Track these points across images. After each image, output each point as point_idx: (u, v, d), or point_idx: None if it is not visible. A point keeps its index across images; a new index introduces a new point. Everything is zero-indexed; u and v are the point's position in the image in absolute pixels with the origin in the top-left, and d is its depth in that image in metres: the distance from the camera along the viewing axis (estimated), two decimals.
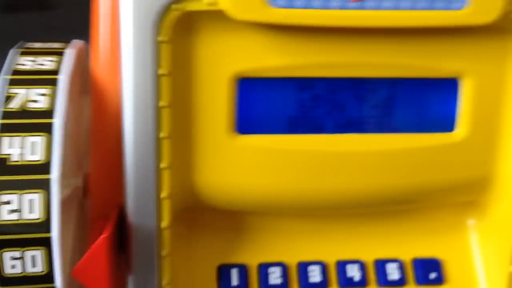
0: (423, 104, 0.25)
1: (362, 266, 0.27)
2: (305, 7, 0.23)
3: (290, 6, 0.23)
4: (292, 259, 0.27)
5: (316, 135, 0.25)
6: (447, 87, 0.25)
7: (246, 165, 0.24)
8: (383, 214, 0.27)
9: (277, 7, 0.22)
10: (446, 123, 0.25)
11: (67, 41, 0.26)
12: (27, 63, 0.23)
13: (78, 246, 0.26)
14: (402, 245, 0.27)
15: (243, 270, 0.26)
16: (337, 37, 0.24)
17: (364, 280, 0.27)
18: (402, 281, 0.27)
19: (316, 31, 0.23)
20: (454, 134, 0.26)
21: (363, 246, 0.27)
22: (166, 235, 0.24)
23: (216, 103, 0.24)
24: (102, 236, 0.21)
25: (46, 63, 0.23)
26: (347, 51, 0.24)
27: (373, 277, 0.27)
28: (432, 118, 0.25)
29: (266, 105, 0.24)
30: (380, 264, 0.27)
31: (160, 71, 0.23)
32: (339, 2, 0.23)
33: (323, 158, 0.25)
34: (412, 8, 0.23)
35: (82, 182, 0.26)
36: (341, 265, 0.27)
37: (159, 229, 0.24)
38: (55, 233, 0.21)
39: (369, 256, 0.27)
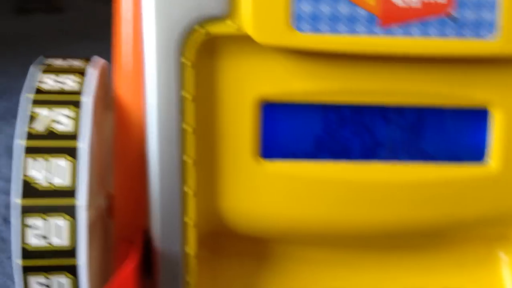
0: (452, 132, 0.25)
1: None
2: (331, 32, 0.23)
3: (316, 31, 0.22)
4: None
5: (342, 163, 0.24)
6: (476, 117, 0.25)
7: (271, 190, 0.24)
8: (411, 245, 0.27)
9: (303, 32, 0.22)
10: (476, 153, 0.25)
11: (87, 58, 0.26)
12: (49, 81, 0.23)
13: (102, 266, 0.26)
14: (431, 278, 0.27)
15: None
16: (363, 62, 0.24)
17: None
18: None
19: (342, 56, 0.23)
20: (485, 166, 0.25)
21: (390, 278, 0.27)
22: (192, 260, 0.24)
23: (240, 127, 0.24)
24: (130, 266, 0.21)
25: (69, 82, 0.23)
26: (373, 77, 0.24)
27: None
28: (461, 148, 0.25)
29: (291, 129, 0.24)
30: None
31: (184, 93, 0.23)
32: (366, 28, 0.23)
33: (349, 186, 0.24)
34: (441, 35, 0.23)
35: (104, 201, 0.26)
36: None
37: (185, 255, 0.24)
38: (82, 261, 0.21)
39: None
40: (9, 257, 0.40)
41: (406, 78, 0.24)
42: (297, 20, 0.22)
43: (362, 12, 0.22)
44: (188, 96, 0.23)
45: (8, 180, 0.50)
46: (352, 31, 0.23)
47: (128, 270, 0.21)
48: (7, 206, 0.46)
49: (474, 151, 0.25)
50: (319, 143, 0.25)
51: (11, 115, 0.62)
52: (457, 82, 0.24)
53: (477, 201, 0.25)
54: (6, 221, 0.44)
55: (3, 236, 0.42)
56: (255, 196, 0.24)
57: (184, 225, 0.23)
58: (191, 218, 0.23)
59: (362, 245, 0.27)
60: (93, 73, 0.24)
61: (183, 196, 0.23)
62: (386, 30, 0.23)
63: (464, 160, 0.25)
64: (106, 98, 0.28)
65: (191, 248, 0.24)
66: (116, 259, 0.24)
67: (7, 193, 0.48)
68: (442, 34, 0.23)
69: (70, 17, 1.02)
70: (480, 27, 0.23)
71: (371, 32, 0.23)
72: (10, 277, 0.38)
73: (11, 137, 0.57)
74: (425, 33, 0.23)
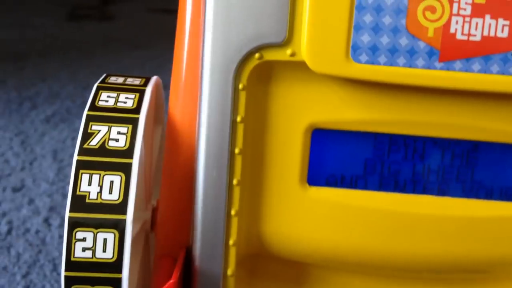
0: (503, 170, 0.24)
1: None
2: (390, 65, 0.22)
3: (374, 62, 0.22)
4: None
5: (389, 193, 0.24)
6: None
7: (315, 217, 0.24)
8: (452, 280, 0.26)
9: (360, 63, 0.22)
10: None
11: (145, 77, 0.26)
12: (109, 99, 0.24)
13: (142, 280, 0.26)
14: None
15: None
16: (419, 95, 0.23)
17: None
18: None
19: (398, 88, 0.23)
20: None
21: None
22: (231, 282, 0.24)
23: (289, 152, 0.24)
24: (170, 282, 0.21)
25: (127, 100, 0.24)
26: (428, 109, 0.23)
27: None
28: (509, 187, 0.25)
29: (338, 158, 0.24)
30: None
31: (237, 118, 0.23)
32: (426, 62, 0.22)
33: (394, 217, 0.24)
34: (503, 73, 0.22)
35: (150, 215, 0.26)
36: None
37: (224, 276, 0.24)
38: (125, 274, 0.21)
39: None
40: (49, 260, 0.40)
41: (461, 113, 0.23)
42: (355, 51, 0.22)
43: (421, 44, 0.22)
44: (238, 118, 0.23)
45: (52, 183, 0.51)
46: (412, 64, 0.22)
47: (168, 285, 0.21)
48: (51, 209, 0.47)
49: None
50: (367, 171, 0.24)
51: (59, 118, 0.64)
52: None
53: None
54: (48, 223, 0.45)
55: (44, 239, 0.43)
56: (298, 221, 0.24)
57: (226, 246, 0.23)
58: (233, 240, 0.24)
59: (404, 276, 0.26)
60: (148, 92, 0.24)
61: (227, 217, 0.23)
62: (447, 64, 0.22)
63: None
64: (157, 113, 0.28)
65: (231, 269, 0.24)
66: (157, 274, 0.24)
67: (50, 196, 0.49)
68: (504, 72, 0.22)
69: (121, 25, 1.05)
70: None
71: (431, 66, 0.22)
72: (49, 280, 0.38)
73: (57, 140, 0.58)
74: (487, 70, 0.22)
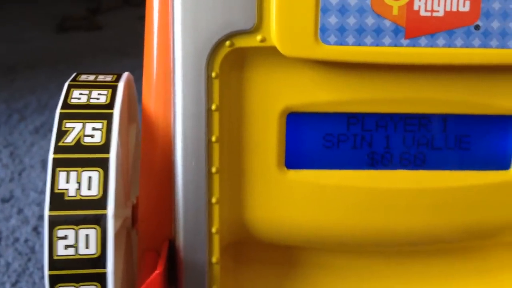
0: (476, 141, 0.25)
1: None
2: (358, 44, 0.23)
3: (342, 43, 0.23)
4: None
5: (365, 171, 0.25)
6: (500, 124, 0.25)
7: (295, 200, 0.24)
8: (437, 252, 0.27)
9: (329, 44, 0.23)
10: (501, 161, 0.25)
11: (116, 74, 0.26)
12: (82, 96, 0.24)
13: (127, 276, 0.26)
14: (455, 285, 0.27)
15: None
16: (388, 73, 0.24)
17: None
18: None
19: (367, 67, 0.23)
20: (509, 172, 0.25)
21: (415, 285, 0.27)
22: (216, 270, 0.24)
23: (265, 137, 0.24)
24: (155, 272, 0.21)
25: (100, 97, 0.24)
26: (398, 87, 0.24)
27: None
28: (486, 156, 0.25)
29: (316, 140, 0.24)
30: None
31: (211, 106, 0.23)
32: (393, 40, 0.23)
33: (372, 194, 0.24)
34: (467, 46, 0.23)
35: (130, 212, 0.26)
36: None
37: (209, 264, 0.24)
38: (109, 269, 0.21)
39: None
40: (39, 268, 0.40)
41: (431, 87, 0.24)
42: (324, 32, 0.22)
43: (387, 23, 0.23)
44: (214, 108, 0.23)
45: (41, 192, 0.51)
46: (379, 43, 0.23)
47: (153, 277, 0.21)
48: (40, 217, 0.47)
49: (500, 159, 0.25)
50: (342, 153, 0.25)
51: (48, 129, 0.64)
52: (483, 91, 0.24)
53: (501, 207, 0.25)
54: (37, 231, 0.45)
55: (33, 247, 0.43)
56: (280, 205, 0.24)
57: (209, 234, 0.24)
58: (216, 227, 0.24)
59: (385, 252, 0.27)
60: (120, 87, 0.24)
61: (208, 206, 0.23)
62: (413, 41, 0.23)
63: (490, 169, 0.25)
64: (131, 111, 0.28)
65: (215, 257, 0.24)
66: (141, 269, 0.24)
67: (40, 204, 0.49)
68: (469, 45, 0.23)
69: (109, 35, 1.05)
70: (506, 37, 0.23)
71: (397, 43, 0.23)
72: (38, 287, 0.39)
73: (46, 150, 0.59)
74: (451, 45, 0.23)
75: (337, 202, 0.24)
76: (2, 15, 1.12)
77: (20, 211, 0.49)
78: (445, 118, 0.25)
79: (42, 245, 0.43)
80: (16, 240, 0.45)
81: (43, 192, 0.51)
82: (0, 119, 0.67)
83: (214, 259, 0.24)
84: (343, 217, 0.25)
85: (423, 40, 0.23)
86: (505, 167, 0.25)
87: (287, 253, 0.27)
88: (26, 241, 0.44)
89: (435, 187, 0.25)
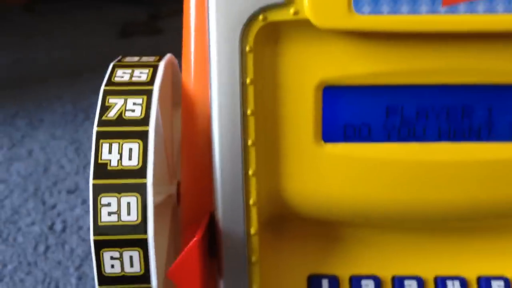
0: None
1: (464, 283, 0.25)
2: (393, 13, 0.22)
3: (377, 12, 0.22)
4: (386, 273, 0.26)
5: (404, 144, 0.24)
6: None
7: (333, 173, 0.24)
8: (477, 228, 0.26)
9: (363, 14, 0.22)
10: None
11: (159, 56, 0.27)
12: (124, 75, 0.25)
13: (172, 250, 0.27)
14: (507, 262, 0.26)
15: (334, 282, 0.26)
16: (425, 42, 0.23)
17: None
18: None
19: (404, 37, 0.23)
20: None
21: (464, 261, 0.26)
22: (255, 241, 0.24)
23: (302, 111, 0.24)
24: (194, 239, 0.22)
25: (141, 75, 0.25)
26: (436, 56, 0.23)
27: None
28: None
29: (352, 113, 0.24)
30: (484, 281, 0.25)
31: (246, 80, 0.23)
32: (429, 7, 0.22)
33: (412, 167, 0.24)
34: (510, 11, 0.22)
35: (175, 189, 0.27)
36: (441, 281, 0.25)
37: (248, 235, 0.24)
38: (150, 235, 0.22)
39: (471, 273, 0.26)
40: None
41: (471, 56, 0.23)
42: (357, 2, 0.22)
43: None
44: (249, 81, 0.23)
45: None
46: (415, 10, 0.22)
47: (192, 244, 0.22)
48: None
49: None
50: (380, 124, 0.24)
51: None
52: None
53: None
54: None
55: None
56: (317, 178, 0.24)
57: (246, 206, 0.24)
58: (253, 199, 0.24)
59: (425, 227, 0.26)
60: (161, 67, 0.25)
61: (245, 178, 0.24)
62: (451, 8, 0.22)
63: None
64: (176, 95, 0.29)
65: (254, 228, 0.24)
66: (184, 240, 0.25)
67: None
68: (511, 9, 0.22)
69: (169, 38, 1.08)
70: None
71: (434, 11, 0.22)
72: None
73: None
74: (492, 10, 0.22)
75: (375, 175, 0.24)
76: (67, 23, 1.18)
77: (84, 201, 0.51)
78: (488, 89, 0.24)
79: None
80: (80, 228, 0.47)
81: None
82: (66, 118, 0.71)
83: (252, 230, 0.24)
84: (382, 191, 0.24)
85: (461, 7, 0.22)
86: None
87: (329, 229, 0.27)
88: (89, 229, 0.46)
89: (478, 160, 0.24)
